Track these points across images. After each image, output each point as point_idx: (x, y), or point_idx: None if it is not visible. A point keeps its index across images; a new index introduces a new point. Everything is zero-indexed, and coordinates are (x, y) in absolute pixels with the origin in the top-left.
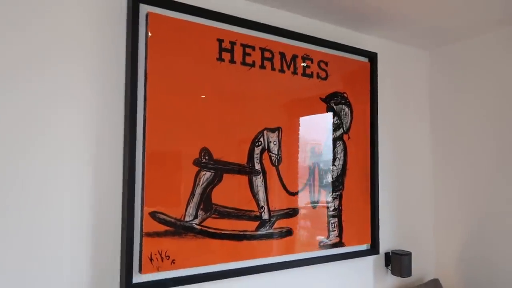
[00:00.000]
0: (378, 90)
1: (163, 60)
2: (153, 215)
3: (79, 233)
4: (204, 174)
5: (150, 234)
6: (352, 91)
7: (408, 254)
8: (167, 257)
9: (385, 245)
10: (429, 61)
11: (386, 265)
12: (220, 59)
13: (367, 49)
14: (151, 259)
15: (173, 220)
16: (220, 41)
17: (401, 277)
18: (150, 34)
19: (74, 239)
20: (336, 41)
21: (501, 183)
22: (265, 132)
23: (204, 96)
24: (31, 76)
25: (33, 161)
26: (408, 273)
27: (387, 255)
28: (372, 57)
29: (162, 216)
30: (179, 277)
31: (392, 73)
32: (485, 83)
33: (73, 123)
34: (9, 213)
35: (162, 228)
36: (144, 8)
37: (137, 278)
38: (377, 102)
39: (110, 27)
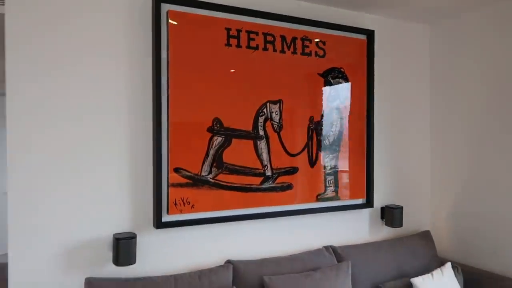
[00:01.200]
0: (379, 62)
1: (181, 47)
2: (176, 170)
3: (124, 187)
4: (216, 139)
5: (174, 185)
6: (349, 66)
7: (399, 208)
8: (188, 203)
9: (381, 201)
10: (430, 34)
11: (382, 217)
12: (228, 44)
13: (367, 27)
14: (175, 204)
15: (192, 175)
16: (228, 29)
17: (392, 227)
18: (169, 27)
19: (121, 191)
20: (336, 22)
21: (492, 143)
22: (267, 104)
23: (214, 76)
24: (81, 65)
25: (91, 134)
26: (399, 225)
27: (382, 209)
28: (369, 34)
29: (183, 171)
30: (197, 218)
31: (393, 46)
32: (483, 52)
33: (113, 101)
34: (82, 173)
35: (184, 180)
36: (165, 7)
37: (166, 218)
38: (373, 74)
39: (138, 22)
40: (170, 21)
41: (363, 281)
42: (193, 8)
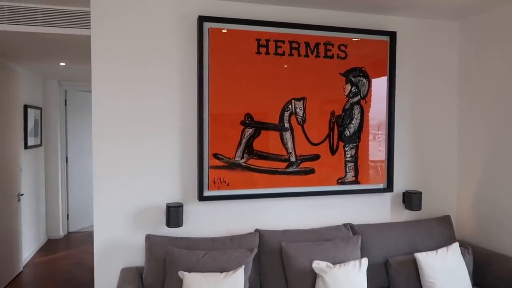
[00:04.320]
0: (406, 59)
1: (219, 56)
2: (214, 155)
3: (175, 168)
4: (247, 130)
5: (213, 167)
6: (370, 65)
7: (418, 193)
8: (224, 182)
9: (404, 186)
10: (459, 30)
11: (403, 202)
12: (258, 52)
13: (391, 28)
14: (214, 182)
15: (227, 159)
16: (258, 40)
17: (411, 210)
18: (210, 40)
19: (174, 171)
20: (359, 26)
21: None
22: (292, 101)
23: (246, 78)
24: (144, 72)
25: (151, 125)
26: (418, 208)
27: (404, 194)
28: (391, 35)
29: (220, 156)
30: (232, 194)
31: (420, 43)
32: (507, 46)
33: (169, 100)
34: (146, 159)
35: (220, 163)
36: (206, 25)
37: (206, 193)
38: (394, 71)
39: (186, 38)
40: (210, 36)
41: (375, 254)
42: (228, 24)
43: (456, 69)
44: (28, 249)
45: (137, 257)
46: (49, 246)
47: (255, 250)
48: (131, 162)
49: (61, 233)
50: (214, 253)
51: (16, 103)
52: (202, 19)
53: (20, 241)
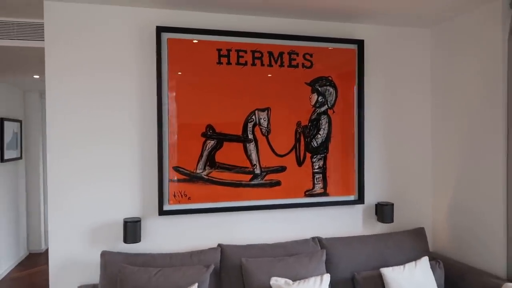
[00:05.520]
0: (376, 67)
1: (179, 67)
2: (175, 168)
3: (135, 182)
4: (209, 142)
5: (173, 180)
6: (337, 74)
7: (390, 205)
8: (185, 195)
9: (377, 198)
10: (431, 37)
11: (376, 214)
12: (219, 62)
13: (359, 37)
14: (174, 196)
15: (188, 172)
16: (219, 50)
17: (383, 223)
18: (169, 51)
19: (132, 186)
20: (325, 34)
21: (489, 143)
22: (256, 111)
23: (207, 89)
24: (101, 83)
25: (109, 138)
26: (390, 220)
27: (376, 206)
28: (359, 44)
29: (181, 169)
30: (193, 208)
31: (390, 53)
32: (480, 51)
33: (127, 112)
34: (103, 172)
35: (181, 176)
36: (165, 35)
37: (167, 207)
38: (363, 80)
39: (145, 49)
40: (169, 46)
41: (343, 269)
42: (187, 34)
43: (428, 77)
44: (4, 264)
45: (95, 274)
46: (29, 261)
47: (212, 267)
48: (88, 176)
49: (43, 247)
50: (168, 270)
51: None
52: (160, 29)
53: None
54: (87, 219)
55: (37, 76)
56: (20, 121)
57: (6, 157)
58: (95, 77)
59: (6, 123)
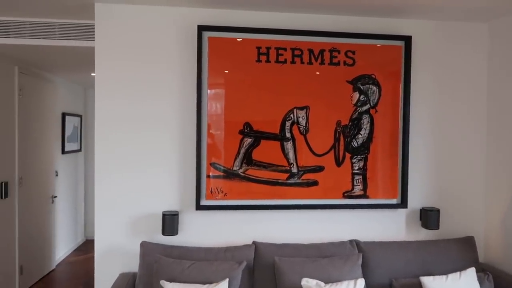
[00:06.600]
0: (421, 66)
1: (219, 65)
2: (212, 165)
3: (174, 178)
4: (246, 140)
5: (210, 177)
6: (381, 72)
7: (435, 210)
8: (222, 191)
9: (423, 203)
10: (488, 33)
11: (420, 219)
12: (258, 60)
13: (406, 32)
14: (211, 192)
15: (225, 168)
16: (258, 48)
17: (427, 229)
18: (209, 49)
19: (172, 181)
20: (370, 31)
21: None
22: (294, 110)
23: (246, 87)
24: (145, 77)
25: (151, 133)
26: (436, 227)
27: (421, 211)
28: (406, 40)
29: (218, 166)
30: (229, 205)
31: (441, 50)
32: None
33: (169, 108)
34: (146, 168)
35: (218, 173)
36: (205, 34)
37: (204, 202)
38: (409, 78)
39: (187, 48)
40: (209, 45)
41: (380, 274)
42: (228, 33)
43: (484, 76)
44: (63, 249)
45: (135, 263)
46: (86, 246)
47: (244, 263)
48: (131, 170)
49: None
50: (201, 264)
51: (53, 111)
52: (201, 28)
53: (53, 240)
54: (129, 210)
55: (94, 74)
56: (80, 116)
57: (66, 149)
58: (139, 75)
59: (67, 118)
